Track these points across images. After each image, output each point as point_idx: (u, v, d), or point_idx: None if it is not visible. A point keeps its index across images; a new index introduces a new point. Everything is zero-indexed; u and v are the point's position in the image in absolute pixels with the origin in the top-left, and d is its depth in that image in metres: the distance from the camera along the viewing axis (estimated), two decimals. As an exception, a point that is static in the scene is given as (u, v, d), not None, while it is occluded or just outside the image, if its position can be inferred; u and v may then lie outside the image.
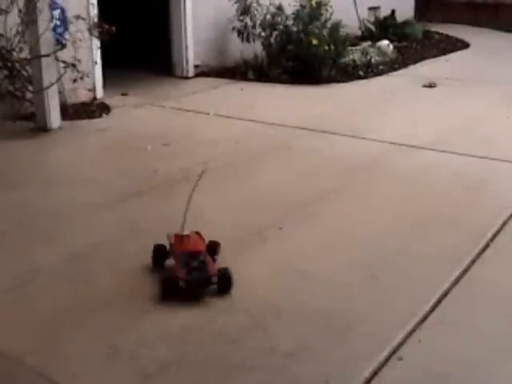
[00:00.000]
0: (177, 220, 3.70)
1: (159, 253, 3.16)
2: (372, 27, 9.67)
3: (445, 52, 9.31)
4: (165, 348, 2.58)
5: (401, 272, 3.18)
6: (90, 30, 5.69)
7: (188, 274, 2.91)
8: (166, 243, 3.16)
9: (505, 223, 3.69)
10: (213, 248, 3.19)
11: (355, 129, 5.51)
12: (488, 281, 3.11)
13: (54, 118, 5.43)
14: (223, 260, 3.29)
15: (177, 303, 2.88)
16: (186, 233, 3.13)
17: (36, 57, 5.22)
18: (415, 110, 6.25)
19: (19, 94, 5.54)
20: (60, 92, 5.61)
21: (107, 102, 6.33)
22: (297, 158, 4.87)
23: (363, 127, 5.59)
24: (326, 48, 7.31)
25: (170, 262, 3.10)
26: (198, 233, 3.21)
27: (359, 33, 9.58)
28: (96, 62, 6.32)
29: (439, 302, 2.89)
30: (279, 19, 7.59)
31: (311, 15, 7.60)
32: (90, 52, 6.16)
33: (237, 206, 3.94)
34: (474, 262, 3.25)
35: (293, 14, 7.64)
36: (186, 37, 7.47)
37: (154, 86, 7.12)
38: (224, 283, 2.95)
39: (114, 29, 5.39)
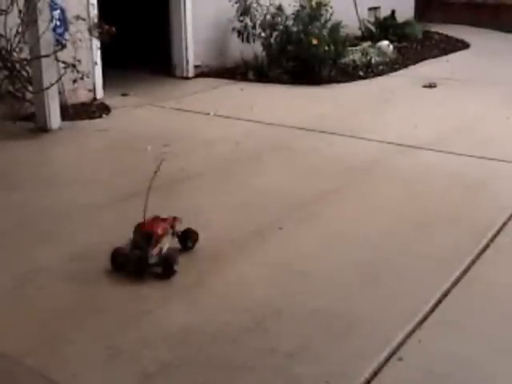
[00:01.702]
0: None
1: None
2: (372, 27, 9.66)
3: (445, 52, 9.30)
4: (165, 348, 2.58)
5: (401, 272, 3.18)
6: (89, 31, 5.69)
7: (131, 251, 3.09)
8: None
9: (505, 223, 3.69)
10: (185, 235, 3.31)
11: (355, 129, 5.51)
12: (488, 281, 3.11)
13: (54, 118, 5.43)
14: (223, 260, 3.30)
15: (177, 303, 2.89)
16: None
17: (36, 57, 5.22)
18: (415, 110, 6.25)
19: (19, 94, 5.54)
20: (60, 92, 5.60)
21: (107, 102, 6.33)
22: (297, 158, 4.87)
23: (363, 127, 5.59)
24: (326, 48, 7.31)
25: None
26: (175, 218, 3.30)
27: (359, 33, 9.57)
28: (96, 63, 6.32)
29: (439, 302, 2.89)
30: (279, 19, 7.59)
31: (311, 15, 7.60)
32: (89, 52, 6.16)
33: (237, 205, 3.94)
34: (474, 262, 3.25)
35: (293, 14, 7.64)
36: (186, 37, 7.47)
37: (154, 87, 7.12)
38: (166, 267, 3.08)
39: (114, 29, 5.39)
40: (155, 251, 3.08)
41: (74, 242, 3.46)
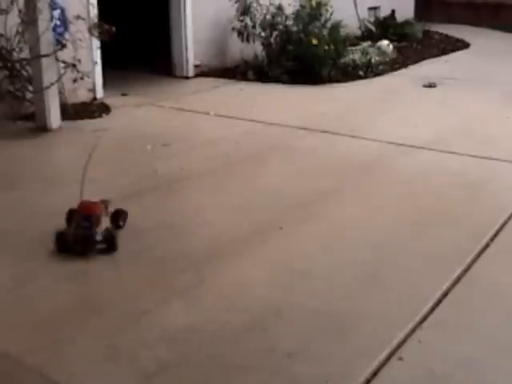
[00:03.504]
0: (175, 220, 3.70)
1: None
2: (372, 27, 9.67)
3: (445, 52, 9.31)
4: (164, 348, 2.58)
5: (401, 272, 3.18)
6: (89, 30, 5.69)
7: (75, 232, 3.29)
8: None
9: (505, 223, 3.69)
10: (117, 215, 3.53)
11: (355, 129, 5.51)
12: (488, 280, 3.11)
13: (54, 117, 5.43)
14: (223, 259, 3.30)
15: (177, 303, 2.89)
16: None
17: (36, 57, 5.22)
18: (415, 110, 6.25)
19: (19, 93, 5.54)
20: (60, 92, 5.60)
21: (107, 102, 6.33)
22: (297, 157, 4.87)
23: (363, 127, 5.59)
24: (326, 48, 7.31)
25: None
26: (104, 201, 3.50)
27: (359, 33, 9.58)
28: (96, 62, 6.32)
29: (439, 301, 2.89)
30: (279, 19, 7.59)
31: (311, 15, 7.61)
32: (90, 52, 6.16)
33: (237, 205, 3.93)
34: (474, 261, 3.25)
35: (293, 14, 7.65)
36: (186, 37, 7.47)
37: (154, 86, 7.12)
38: (110, 243, 3.30)
39: (113, 29, 5.38)
40: (99, 230, 3.30)
41: (73, 242, 3.45)
